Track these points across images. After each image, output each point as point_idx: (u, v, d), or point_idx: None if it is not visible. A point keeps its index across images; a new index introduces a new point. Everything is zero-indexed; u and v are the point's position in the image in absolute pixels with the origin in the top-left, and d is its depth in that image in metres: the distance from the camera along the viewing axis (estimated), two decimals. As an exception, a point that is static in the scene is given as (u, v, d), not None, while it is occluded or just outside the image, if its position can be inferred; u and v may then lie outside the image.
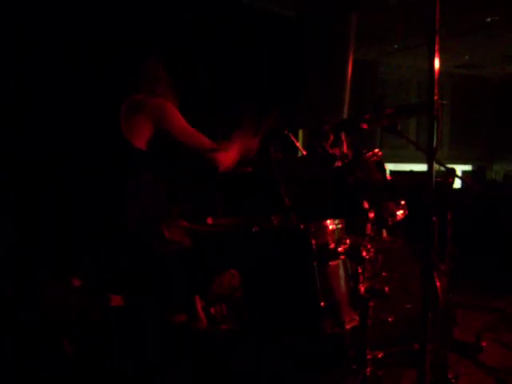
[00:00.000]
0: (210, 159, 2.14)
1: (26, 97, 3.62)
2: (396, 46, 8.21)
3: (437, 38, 1.59)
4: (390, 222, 2.41)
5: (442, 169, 2.35)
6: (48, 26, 3.72)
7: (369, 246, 2.12)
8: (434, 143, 1.55)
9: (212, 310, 2.59)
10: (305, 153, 2.83)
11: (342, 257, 2.11)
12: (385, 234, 2.74)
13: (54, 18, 3.70)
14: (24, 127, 3.59)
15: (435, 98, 1.56)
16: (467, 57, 8.97)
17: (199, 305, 2.35)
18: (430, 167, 1.55)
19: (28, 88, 3.61)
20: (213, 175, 2.27)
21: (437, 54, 1.60)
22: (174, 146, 2.13)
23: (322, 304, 2.03)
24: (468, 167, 11.28)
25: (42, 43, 3.68)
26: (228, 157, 2.21)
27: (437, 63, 1.60)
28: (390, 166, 2.34)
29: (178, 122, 2.14)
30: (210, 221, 2.33)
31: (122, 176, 2.16)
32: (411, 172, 6.98)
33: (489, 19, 6.86)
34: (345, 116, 6.04)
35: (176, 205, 2.31)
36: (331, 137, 2.61)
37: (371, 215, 2.21)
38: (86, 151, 2.27)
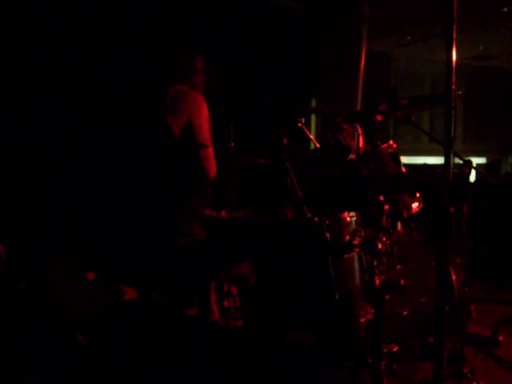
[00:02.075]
0: (211, 177, 2.29)
1: (78, 84, 3.75)
2: (409, 38, 8.11)
3: (455, 27, 1.56)
4: (405, 215, 2.39)
5: (457, 161, 2.31)
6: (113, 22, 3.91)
7: (384, 239, 2.09)
8: (452, 133, 1.52)
9: (225, 304, 2.59)
10: (318, 145, 2.81)
11: (357, 249, 2.09)
12: (399, 226, 2.71)
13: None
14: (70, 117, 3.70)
15: (453, 87, 1.52)
16: (481, 48, 8.85)
17: (213, 298, 2.35)
18: (448, 158, 1.52)
19: (80, 76, 3.75)
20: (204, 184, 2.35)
21: (454, 44, 1.56)
22: (194, 143, 2.24)
23: (337, 297, 2.01)
24: (482, 160, 11.16)
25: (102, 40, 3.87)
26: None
27: (454, 53, 1.56)
28: (402, 160, 2.32)
29: (205, 124, 2.29)
30: (224, 213, 2.32)
31: (147, 165, 2.20)
32: (425, 165, 6.93)
33: (505, 9, 6.76)
34: (358, 108, 5.99)
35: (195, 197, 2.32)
36: (345, 128, 2.58)
37: (386, 208, 2.19)
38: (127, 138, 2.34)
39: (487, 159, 11.27)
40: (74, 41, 3.91)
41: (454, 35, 1.54)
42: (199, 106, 2.27)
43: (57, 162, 3.69)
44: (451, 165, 1.53)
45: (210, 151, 2.29)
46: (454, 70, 1.50)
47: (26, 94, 3.68)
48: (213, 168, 2.30)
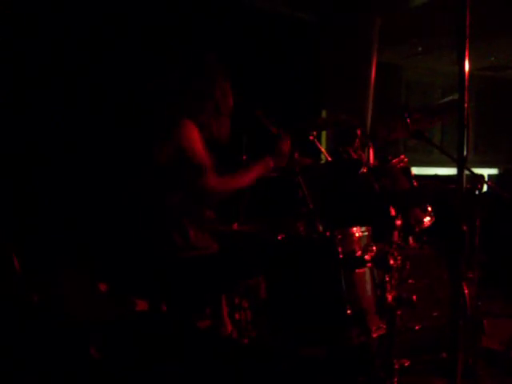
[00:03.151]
0: (202, 185, 2.17)
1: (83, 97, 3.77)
2: (420, 49, 8.11)
3: (467, 42, 1.56)
4: (416, 229, 2.38)
5: (468, 173, 2.30)
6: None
7: (396, 254, 2.09)
8: (465, 151, 1.52)
9: (237, 316, 2.59)
10: (330, 158, 2.81)
11: (369, 264, 2.08)
12: (411, 240, 2.71)
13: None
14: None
15: (465, 105, 1.53)
16: (492, 58, 8.82)
17: (225, 311, 2.35)
18: (461, 176, 1.51)
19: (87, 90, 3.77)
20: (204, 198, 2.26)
21: (467, 58, 1.56)
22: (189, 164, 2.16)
23: (349, 312, 2.01)
24: (494, 171, 11.08)
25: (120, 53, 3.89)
26: (226, 183, 2.25)
27: (467, 66, 1.56)
28: (413, 170, 2.32)
29: (194, 142, 2.18)
30: (235, 227, 2.33)
31: (146, 184, 2.18)
32: (436, 176, 6.88)
33: (516, 20, 6.73)
34: (368, 119, 5.99)
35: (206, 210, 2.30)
36: (357, 142, 2.59)
37: (398, 222, 2.18)
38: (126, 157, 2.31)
39: (499, 170, 11.19)
40: (74, 41, 3.91)
41: (467, 52, 1.54)
42: (181, 128, 2.18)
43: (57, 161, 3.69)
44: (464, 183, 1.53)
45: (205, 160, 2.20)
46: (466, 89, 1.50)
47: (26, 93, 3.69)
48: (210, 181, 2.20)
